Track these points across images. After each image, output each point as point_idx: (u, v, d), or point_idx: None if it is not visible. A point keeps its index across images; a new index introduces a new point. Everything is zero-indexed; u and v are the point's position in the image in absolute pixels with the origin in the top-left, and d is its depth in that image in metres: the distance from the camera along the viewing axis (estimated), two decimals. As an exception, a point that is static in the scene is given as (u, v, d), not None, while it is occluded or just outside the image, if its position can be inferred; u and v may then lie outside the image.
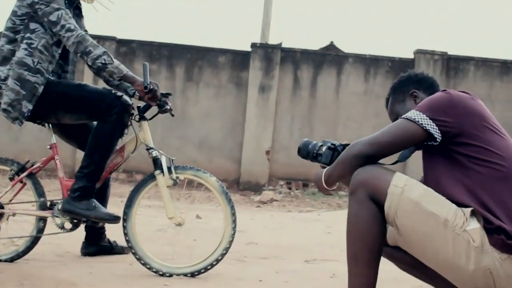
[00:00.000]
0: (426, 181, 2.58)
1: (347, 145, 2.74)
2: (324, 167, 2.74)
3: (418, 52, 13.15)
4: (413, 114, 2.49)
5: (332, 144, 2.81)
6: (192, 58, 13.18)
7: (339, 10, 33.17)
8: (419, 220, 2.43)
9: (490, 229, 2.33)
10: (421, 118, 2.46)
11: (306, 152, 2.87)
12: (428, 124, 2.45)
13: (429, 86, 2.83)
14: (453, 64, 13.16)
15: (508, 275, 2.34)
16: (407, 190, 2.45)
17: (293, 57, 13.24)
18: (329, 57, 13.29)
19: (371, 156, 2.52)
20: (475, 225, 2.36)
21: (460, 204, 2.40)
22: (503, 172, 2.41)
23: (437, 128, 2.45)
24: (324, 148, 2.81)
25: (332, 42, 13.60)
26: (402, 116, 2.53)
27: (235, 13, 32.61)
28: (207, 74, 13.16)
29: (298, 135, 13.04)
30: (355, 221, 2.51)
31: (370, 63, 13.17)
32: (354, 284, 2.48)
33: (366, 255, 2.47)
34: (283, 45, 13.25)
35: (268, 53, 13.11)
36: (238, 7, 33.28)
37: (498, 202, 2.37)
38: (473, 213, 2.38)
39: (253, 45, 13.20)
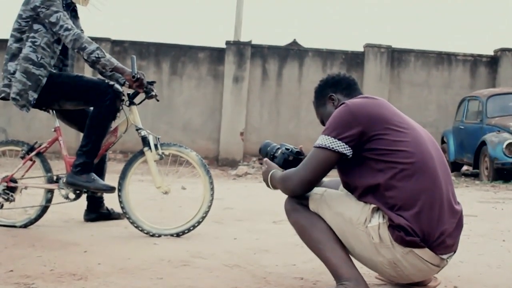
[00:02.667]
0: (344, 186, 2.55)
1: (300, 151, 2.73)
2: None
3: (367, 46, 13.21)
4: (322, 140, 2.38)
5: (286, 148, 2.76)
6: (176, 54, 13.13)
7: (301, 9, 33.29)
8: (332, 219, 2.45)
9: (392, 226, 2.28)
10: (330, 143, 2.35)
11: (265, 153, 2.85)
12: (338, 146, 2.34)
13: (345, 86, 2.68)
14: (397, 56, 13.25)
15: (412, 264, 2.33)
16: (326, 195, 2.50)
17: (261, 52, 13.24)
18: (292, 52, 13.30)
19: (303, 192, 2.49)
20: (375, 222, 2.32)
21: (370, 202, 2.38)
22: (410, 169, 2.30)
23: (346, 145, 2.34)
24: (279, 152, 2.77)
25: (294, 39, 13.62)
26: (315, 145, 2.40)
27: (212, 14, 32.65)
28: (189, 68, 13.13)
29: (267, 118, 13.09)
30: (301, 224, 2.53)
31: (326, 56, 13.21)
32: (332, 262, 2.42)
33: (326, 238, 2.45)
34: (253, 42, 13.24)
35: (240, 49, 13.09)
36: (214, 8, 33.33)
37: (403, 200, 2.28)
38: (377, 210, 2.34)
39: (228, 43, 13.18)
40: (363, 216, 2.36)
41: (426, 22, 33.56)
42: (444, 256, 2.37)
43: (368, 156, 2.35)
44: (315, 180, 2.43)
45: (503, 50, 13.31)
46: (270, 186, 2.65)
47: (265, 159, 2.79)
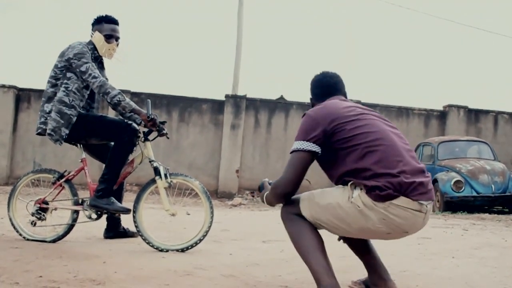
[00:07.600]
0: (327, 174, 2.54)
1: None
2: None
3: (340, 101, 13.28)
4: (295, 145, 2.43)
5: None
6: (183, 105, 13.17)
7: (287, 68, 33.83)
8: (326, 212, 2.42)
9: (368, 190, 2.28)
10: (301, 145, 2.40)
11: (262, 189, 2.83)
12: (307, 146, 2.39)
13: (319, 94, 2.82)
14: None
15: (397, 214, 2.29)
16: (311, 197, 2.50)
17: (254, 105, 13.31)
18: (280, 105, 13.38)
19: (291, 192, 2.46)
20: (356, 194, 2.32)
21: (347, 182, 2.38)
22: (370, 146, 2.33)
23: (314, 144, 2.39)
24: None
25: (282, 95, 13.69)
26: (290, 151, 2.45)
27: (215, 69, 33.06)
28: (194, 117, 13.16)
29: (259, 159, 13.07)
30: (293, 234, 2.50)
31: (307, 108, 13.22)
32: (314, 268, 2.38)
33: (312, 247, 2.42)
34: (248, 96, 13.31)
35: (237, 101, 13.16)
36: (217, 64, 33.91)
37: (372, 171, 2.28)
38: (354, 185, 2.34)
39: (226, 96, 13.25)
40: (346, 196, 2.36)
41: (390, 79, 33.99)
42: (424, 202, 2.30)
43: (335, 147, 2.39)
44: (297, 179, 2.41)
45: (450, 106, 13.45)
46: (266, 202, 2.61)
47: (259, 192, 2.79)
